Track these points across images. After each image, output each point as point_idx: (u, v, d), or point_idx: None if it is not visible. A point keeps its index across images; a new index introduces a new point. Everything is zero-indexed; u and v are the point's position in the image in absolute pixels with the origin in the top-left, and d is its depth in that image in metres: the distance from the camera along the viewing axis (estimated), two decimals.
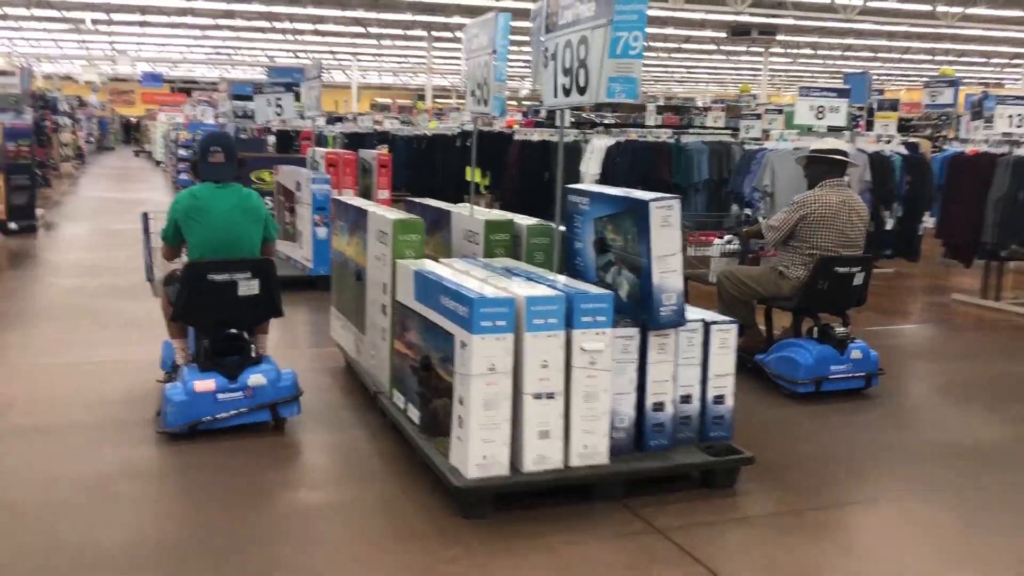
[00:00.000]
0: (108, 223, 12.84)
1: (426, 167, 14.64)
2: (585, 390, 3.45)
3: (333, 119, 30.65)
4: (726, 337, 3.84)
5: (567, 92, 3.94)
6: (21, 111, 11.56)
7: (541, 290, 3.49)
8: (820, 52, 40.34)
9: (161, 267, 4.90)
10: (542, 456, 3.42)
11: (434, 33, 35.37)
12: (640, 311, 3.62)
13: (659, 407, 3.72)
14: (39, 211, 12.20)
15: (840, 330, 5.18)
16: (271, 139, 20.45)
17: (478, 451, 3.35)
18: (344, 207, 5.23)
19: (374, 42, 37.06)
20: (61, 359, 5.80)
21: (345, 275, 5.23)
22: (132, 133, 46.83)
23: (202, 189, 4.48)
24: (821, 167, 5.34)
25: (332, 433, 4.50)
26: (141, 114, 49.15)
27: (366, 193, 8.50)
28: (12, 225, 11.19)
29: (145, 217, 5.25)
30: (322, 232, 7.89)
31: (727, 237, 6.06)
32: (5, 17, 31.44)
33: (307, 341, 6.53)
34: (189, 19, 31.56)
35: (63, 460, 4.06)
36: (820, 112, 7.79)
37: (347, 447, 4.32)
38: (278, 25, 33.02)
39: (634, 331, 3.62)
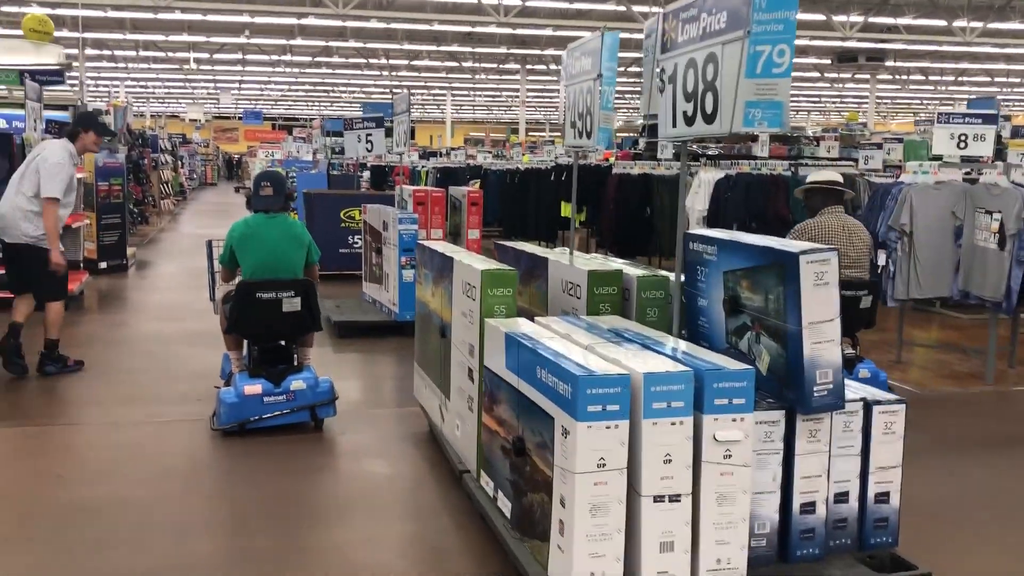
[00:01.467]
0: (198, 260, 12.68)
1: (519, 202, 14.12)
2: (718, 490, 2.75)
3: (426, 154, 30.74)
4: (892, 420, 3.09)
5: (689, 121, 3.28)
6: (115, 150, 11.52)
7: (662, 363, 2.82)
8: (931, 78, 38.57)
9: (221, 288, 5.45)
10: (664, 573, 2.73)
11: (528, 66, 35.20)
12: (786, 390, 2.91)
13: (809, 508, 2.99)
14: (130, 250, 12.13)
15: (848, 351, 5.17)
16: (365, 175, 20.36)
17: (584, 567, 2.68)
18: (428, 253, 4.66)
19: (468, 76, 37.06)
20: (124, 417, 5.40)
21: (429, 329, 4.66)
22: (234, 169, 48.08)
23: (254, 219, 5.11)
24: (819, 196, 5.56)
25: (414, 521, 3.89)
26: (243, 151, 50.49)
27: (456, 232, 7.97)
28: (102, 264, 11.11)
29: (209, 244, 5.84)
30: (409, 275, 7.37)
31: None
32: (114, 59, 32.61)
33: (392, 398, 5.97)
34: (288, 57, 32.11)
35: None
36: (963, 141, 6.90)
37: (430, 539, 3.70)
38: (373, 61, 33.31)
39: (778, 415, 2.91)
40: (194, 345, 7.14)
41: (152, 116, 40.63)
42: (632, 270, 3.86)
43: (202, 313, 8.35)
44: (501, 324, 3.45)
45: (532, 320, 3.59)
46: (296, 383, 4.91)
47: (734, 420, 2.75)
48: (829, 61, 31.47)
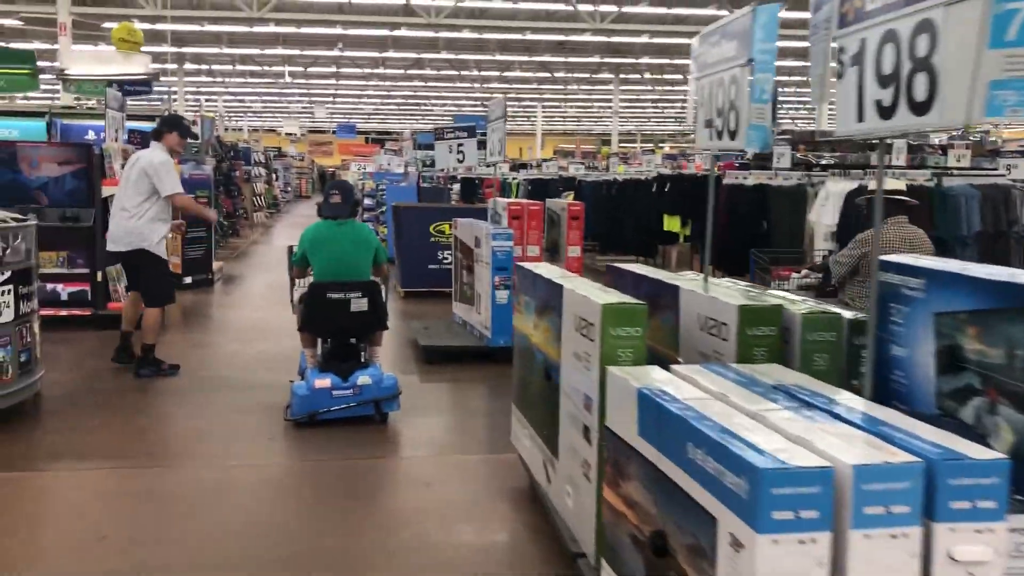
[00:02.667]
0: (284, 275, 12.32)
1: (616, 215, 13.34)
2: None
3: (517, 166, 30.17)
4: None
5: (887, 112, 2.47)
6: (202, 161, 11.20)
7: (872, 447, 2.01)
8: None
9: (297, 289, 5.72)
10: None
11: (621, 75, 34.37)
12: None
13: None
14: (217, 264, 11.81)
15: None
16: (455, 187, 19.85)
17: None
18: (530, 277, 3.94)
19: (559, 87, 36.43)
20: (187, 465, 4.83)
21: (530, 367, 3.93)
22: (327, 182, 48.58)
23: (325, 224, 5.44)
24: (885, 205, 5.29)
25: None
26: (337, 164, 50.99)
27: (553, 249, 7.24)
28: (187, 279, 10.77)
29: (290, 250, 5.91)
30: (503, 296, 6.68)
31: (804, 271, 6.51)
32: (211, 73, 33.13)
33: (484, 440, 5.22)
34: (380, 70, 32.08)
35: None
36: None
37: None
38: (465, 73, 33.00)
39: None
40: (272, 370, 6.59)
41: (250, 130, 41.24)
42: (793, 305, 3.05)
43: (283, 332, 7.84)
44: (630, 375, 2.68)
45: (667, 368, 2.82)
46: (363, 378, 5.18)
47: (979, 531, 1.92)
48: None
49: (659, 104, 44.49)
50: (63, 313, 7.94)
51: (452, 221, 8.09)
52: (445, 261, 10.37)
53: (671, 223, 11.43)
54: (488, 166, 8.00)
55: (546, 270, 3.92)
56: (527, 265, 4.11)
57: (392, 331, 8.35)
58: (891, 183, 5.83)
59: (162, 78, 32.26)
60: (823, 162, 10.57)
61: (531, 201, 7.07)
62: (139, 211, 6.23)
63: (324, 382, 5.14)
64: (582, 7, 19.91)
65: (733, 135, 3.35)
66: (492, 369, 6.66)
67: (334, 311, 5.20)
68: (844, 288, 5.58)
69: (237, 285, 11.59)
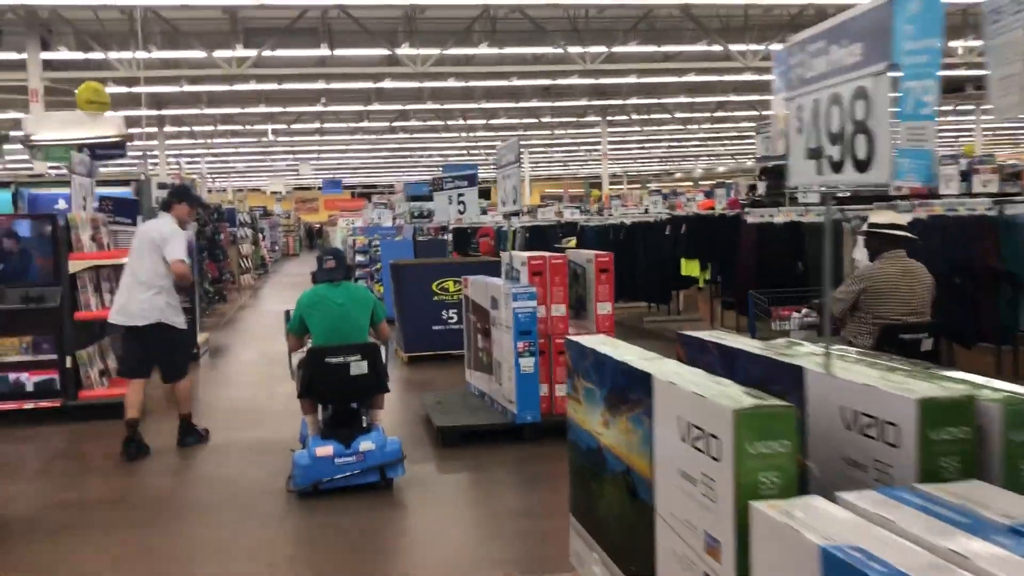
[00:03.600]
0: (277, 343, 11.42)
1: (625, 260, 12.53)
2: None
3: (508, 214, 29.40)
4: None
5: (837, 167, 1.69)
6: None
7: None
8: None
9: (296, 355, 5.55)
10: None
11: (608, 117, 33.94)
12: None
13: None
14: (203, 336, 10.93)
15: None
16: (447, 237, 19.07)
17: None
18: (590, 357, 3.11)
19: (546, 132, 35.98)
20: None
21: (598, 474, 3.08)
22: (315, 239, 47.85)
23: (321, 287, 5.40)
24: (878, 240, 5.48)
25: None
26: (324, 220, 50.40)
27: (580, 306, 6.42)
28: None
29: (287, 315, 5.68)
30: (529, 364, 5.84)
31: (804, 311, 6.46)
32: (193, 135, 32.51)
33: (524, 552, 4.31)
34: (365, 124, 31.53)
35: None
36: None
37: None
38: (451, 123, 32.49)
39: None
40: (262, 465, 5.71)
41: (234, 191, 40.60)
42: (990, 392, 2.22)
43: (280, 416, 6.97)
44: (791, 519, 1.84)
45: (827, 497, 1.98)
46: (365, 444, 5.08)
47: None
48: None
49: (645, 144, 44.17)
50: (28, 406, 7.07)
51: (462, 279, 7.27)
52: (451, 321, 9.54)
53: (689, 267, 10.66)
54: (505, 217, 7.21)
55: (613, 348, 3.09)
56: (584, 341, 3.28)
57: (399, 405, 7.51)
58: (890, 216, 5.69)
59: (141, 142, 31.69)
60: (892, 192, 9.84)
61: (552, 255, 6.26)
62: (160, 284, 6.18)
63: (326, 450, 5.02)
64: (571, 49, 19.35)
65: (863, 166, 2.54)
66: (521, 451, 5.80)
67: (334, 376, 5.12)
68: (846, 326, 5.54)
69: (225, 359, 10.71)
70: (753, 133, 40.00)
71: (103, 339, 7.91)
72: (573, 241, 16.30)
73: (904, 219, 5.65)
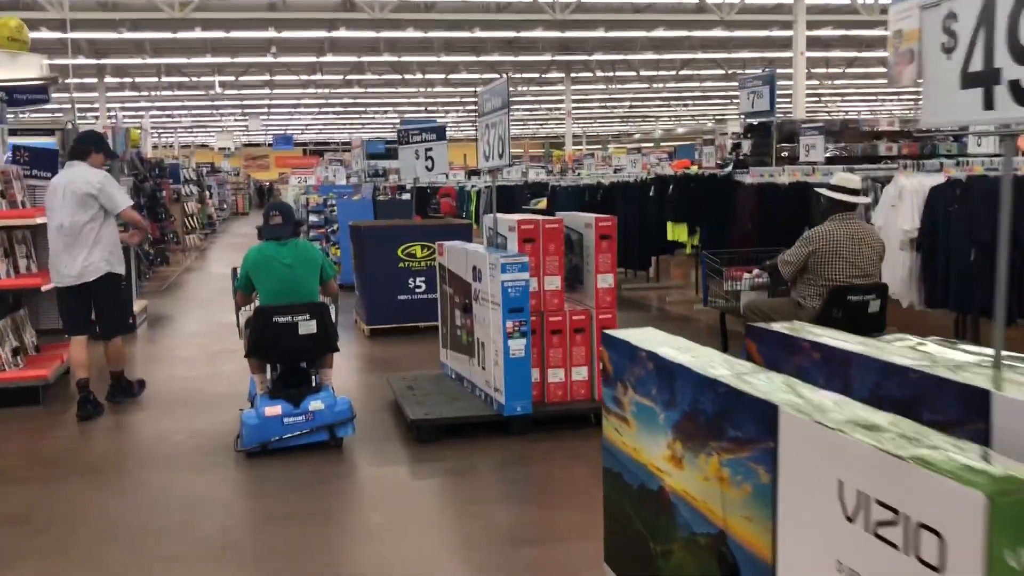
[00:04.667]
0: (223, 312, 10.37)
1: None
2: None
3: (470, 172, 28.42)
4: None
5: None
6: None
7: None
8: None
9: (243, 313, 5.50)
10: None
11: (572, 75, 32.86)
12: None
13: None
14: (140, 304, 9.87)
15: None
16: (405, 196, 18.01)
17: None
18: (650, 365, 2.23)
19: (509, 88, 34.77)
20: None
21: (658, 528, 2.23)
22: (265, 197, 46.20)
23: (267, 246, 5.25)
24: (829, 202, 5.53)
25: None
26: (275, 178, 48.78)
27: (574, 277, 5.55)
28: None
29: (234, 272, 5.60)
30: (519, 347, 4.97)
31: (755, 271, 6.43)
32: (136, 86, 30.79)
33: None
34: (318, 76, 30.08)
35: None
36: None
37: None
38: (408, 77, 31.16)
39: None
40: (206, 468, 4.79)
41: (180, 147, 38.83)
42: None
43: (227, 398, 6.04)
44: None
45: None
46: (314, 403, 5.00)
47: None
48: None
49: (607, 104, 43.23)
50: None
51: (436, 245, 6.34)
52: (418, 290, 8.62)
53: (677, 232, 9.84)
54: (487, 173, 6.29)
55: (680, 350, 2.22)
56: (633, 338, 2.40)
57: (363, 388, 6.60)
58: (843, 177, 5.72)
59: (79, 93, 29.90)
60: (883, 153, 9.11)
61: (546, 218, 5.36)
62: (96, 237, 5.88)
63: (275, 409, 4.94)
64: None
65: None
66: (509, 449, 4.95)
67: (282, 335, 5.00)
68: (795, 287, 5.64)
69: (166, 329, 9.66)
70: (718, 92, 39.23)
71: (18, 311, 6.87)
72: (543, 202, 15.40)
73: (857, 181, 5.69)
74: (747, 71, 28.25)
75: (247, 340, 5.22)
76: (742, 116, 12.07)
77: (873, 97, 42.82)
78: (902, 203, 6.31)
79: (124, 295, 6.49)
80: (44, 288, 6.53)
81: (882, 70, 35.03)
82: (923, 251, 6.19)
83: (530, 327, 5.02)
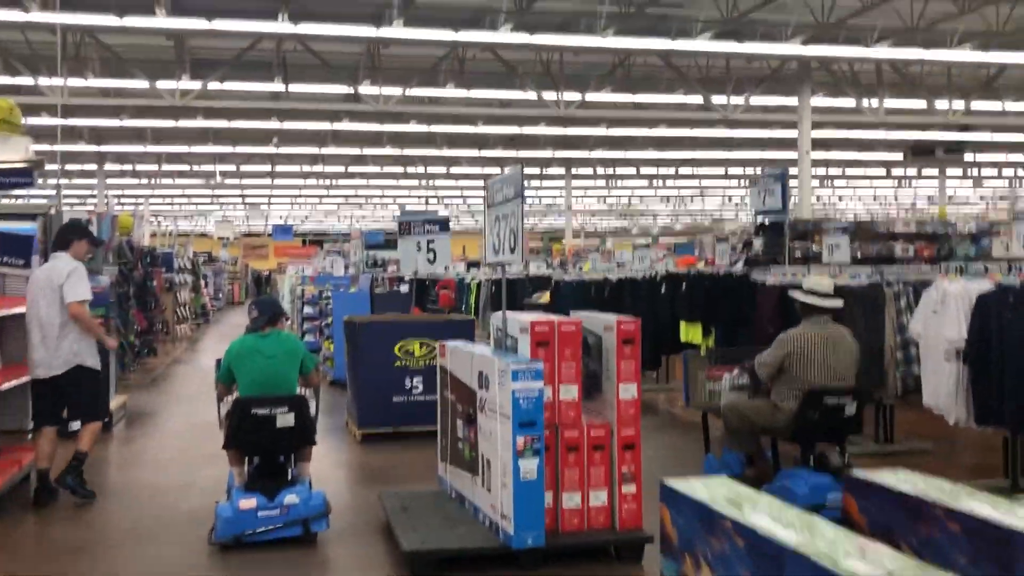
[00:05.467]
0: (209, 408, 9.72)
1: None
2: None
3: (470, 264, 28.02)
4: None
5: None
6: (97, 271, 8.76)
7: None
8: (1005, 172, 35.87)
9: (224, 404, 5.51)
10: None
11: (573, 170, 32.91)
12: None
13: None
14: (118, 400, 9.24)
15: (836, 459, 5.38)
16: (403, 288, 17.52)
17: None
18: (754, 546, 1.64)
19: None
20: None
21: None
22: (263, 287, 45.80)
23: (250, 337, 5.41)
24: (802, 306, 5.62)
25: None
26: (273, 267, 48.51)
27: (592, 385, 4.97)
28: (74, 425, 8.17)
29: (218, 363, 5.56)
30: (531, 467, 4.36)
31: (736, 371, 6.34)
32: (136, 173, 30.71)
33: None
34: (319, 167, 30.03)
35: None
36: None
37: None
38: (411, 170, 31.13)
39: None
40: None
41: (179, 235, 38.64)
42: None
43: (198, 516, 5.38)
44: None
45: None
46: (290, 497, 4.97)
47: None
48: (901, 155, 28.67)
49: (606, 200, 43.37)
50: None
51: (437, 346, 5.77)
52: (415, 392, 8.02)
53: (691, 332, 9.30)
54: (494, 267, 5.78)
55: (790, 527, 1.63)
56: (700, 493, 1.82)
57: (350, 503, 5.93)
58: (816, 280, 5.81)
59: (78, 179, 29.77)
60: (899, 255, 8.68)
61: (563, 319, 4.81)
62: (67, 329, 5.87)
63: (250, 502, 4.92)
64: (544, 95, 18.18)
65: None
66: None
67: (259, 427, 5.06)
68: (773, 388, 5.62)
69: (146, 428, 9.00)
70: (717, 190, 39.35)
71: None
72: (546, 296, 14.92)
73: (829, 284, 5.73)
74: (758, 171, 28.36)
75: (225, 431, 5.25)
76: (753, 213, 11.72)
77: (872, 199, 43.02)
78: (946, 310, 5.79)
79: (97, 388, 6.27)
80: (4, 386, 5.96)
81: (880, 172, 35.19)
82: (972, 363, 5.63)
83: (544, 443, 4.42)
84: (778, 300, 7.78)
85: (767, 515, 1.67)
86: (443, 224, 8.67)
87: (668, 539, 1.93)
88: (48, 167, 11.44)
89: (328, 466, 6.98)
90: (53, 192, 17.20)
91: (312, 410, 5.39)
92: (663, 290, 9.83)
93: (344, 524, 5.39)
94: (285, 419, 5.04)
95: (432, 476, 5.88)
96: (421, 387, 7.99)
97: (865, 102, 19.54)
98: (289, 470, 5.27)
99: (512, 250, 4.83)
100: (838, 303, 5.64)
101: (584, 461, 4.66)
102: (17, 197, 10.02)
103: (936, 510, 1.75)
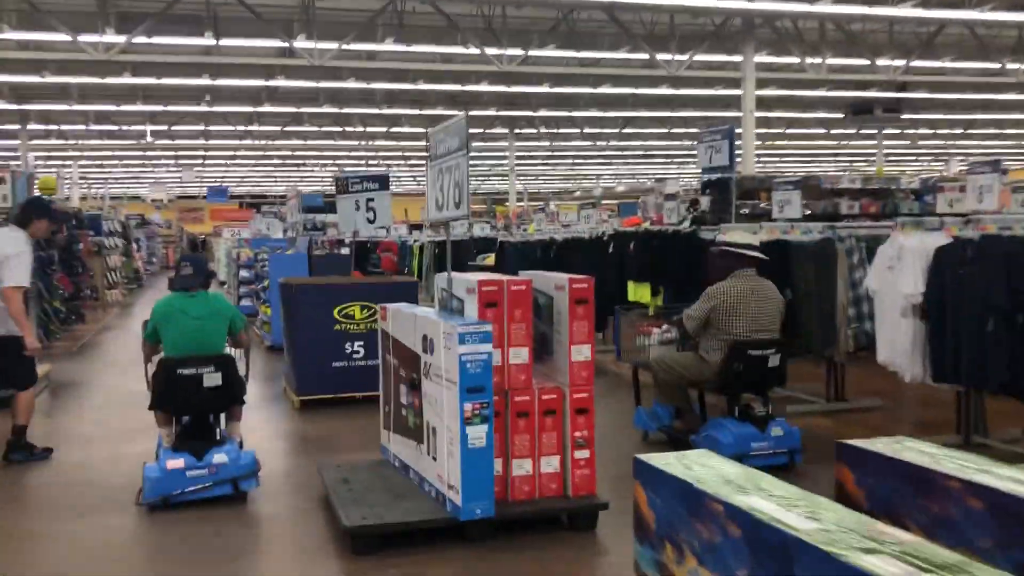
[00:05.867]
0: (134, 378, 9.26)
1: None
2: None
3: (412, 227, 27.51)
4: None
5: None
6: None
7: None
8: (940, 131, 36.41)
9: (151, 365, 5.38)
10: None
11: (516, 131, 32.46)
12: None
13: None
14: (42, 369, 8.71)
15: (760, 409, 5.54)
16: (344, 251, 17.05)
17: None
18: (754, 537, 1.38)
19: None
20: None
21: None
22: (198, 250, 44.69)
23: (176, 297, 5.32)
24: (730, 259, 5.70)
25: None
26: (209, 231, 47.37)
27: (542, 347, 4.72)
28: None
29: (145, 324, 5.48)
30: (479, 435, 4.10)
31: (664, 327, 6.53)
32: (62, 134, 29.41)
33: None
34: (255, 127, 29.11)
35: None
36: None
37: None
38: (349, 129, 30.37)
39: None
40: None
41: (112, 198, 37.31)
42: None
43: (118, 497, 5.02)
44: None
45: None
46: (218, 456, 4.95)
47: None
48: (842, 115, 28.89)
49: (549, 161, 43.01)
50: None
51: (378, 308, 5.44)
52: (356, 356, 7.69)
53: (639, 292, 9.11)
54: (438, 226, 5.47)
55: (793, 509, 1.38)
56: (682, 471, 1.56)
57: (287, 476, 5.62)
58: (740, 235, 5.94)
59: (3, 140, 28.42)
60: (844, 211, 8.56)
61: (513, 278, 4.53)
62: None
63: (177, 462, 4.90)
64: (489, 50, 17.73)
65: None
66: (468, 563, 4.04)
67: (186, 387, 5.04)
68: (701, 341, 5.73)
69: (68, 400, 8.53)
70: (659, 151, 39.31)
71: None
72: (490, 258, 14.64)
73: (755, 239, 5.91)
74: (705, 128, 28.32)
75: (152, 392, 5.19)
76: (701, 171, 11.57)
77: (811, 158, 43.42)
78: (902, 265, 5.65)
79: (24, 356, 6.05)
80: None
81: (820, 131, 35.45)
82: (927, 317, 5.51)
83: (493, 410, 4.15)
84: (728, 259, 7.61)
85: (768, 498, 1.42)
86: (382, 181, 8.29)
87: (644, 523, 1.68)
88: None
89: (266, 436, 6.64)
90: None
91: (241, 370, 5.34)
92: (611, 249, 9.61)
93: (281, 499, 5.09)
94: (212, 378, 4.99)
95: (375, 446, 5.59)
96: (362, 351, 7.67)
97: (808, 61, 19.49)
98: (218, 430, 5.23)
99: (457, 205, 4.51)
100: (764, 256, 5.80)
101: (535, 427, 4.41)
102: None
103: (951, 483, 1.52)
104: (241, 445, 5.22)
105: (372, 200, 8.13)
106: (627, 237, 9.52)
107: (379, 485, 4.73)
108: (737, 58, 19.60)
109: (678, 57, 19.28)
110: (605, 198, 53.75)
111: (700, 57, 19.77)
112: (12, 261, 5.77)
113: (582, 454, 4.46)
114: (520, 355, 4.40)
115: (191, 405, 5.14)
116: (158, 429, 5.28)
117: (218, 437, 5.15)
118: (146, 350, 5.47)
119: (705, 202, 12.22)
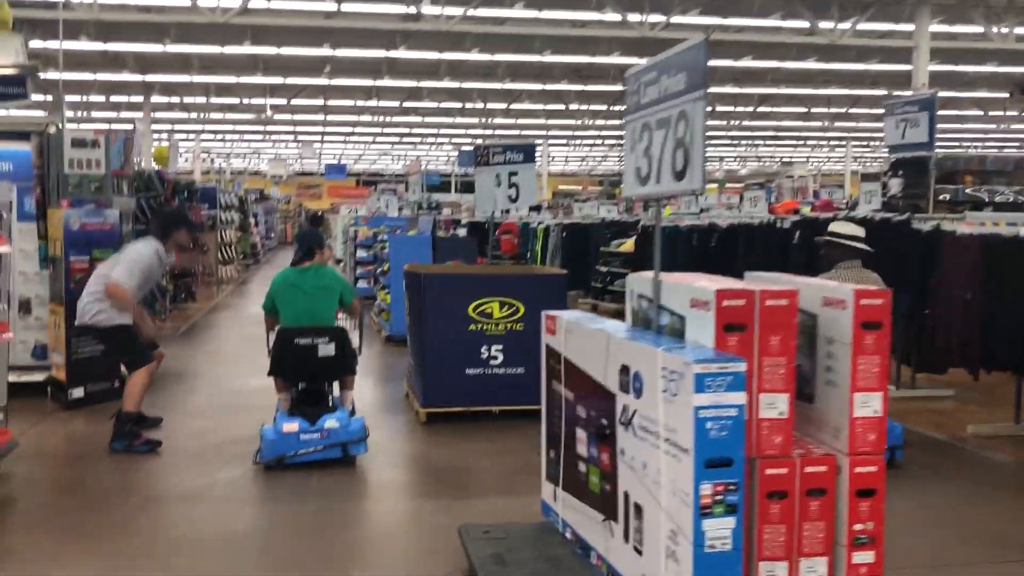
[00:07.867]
0: (243, 373, 8.17)
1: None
2: None
3: (531, 208, 26.10)
4: None
5: None
6: (105, 203, 7.17)
7: None
8: None
9: (272, 334, 5.65)
10: None
11: None
12: None
13: None
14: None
15: None
16: (461, 232, 15.78)
17: None
18: None
19: (571, 121, 32.58)
20: None
21: None
22: (318, 227, 44.64)
23: (289, 272, 5.76)
24: (837, 251, 5.52)
25: None
26: (327, 207, 47.35)
27: (802, 391, 3.17)
28: (75, 392, 6.69)
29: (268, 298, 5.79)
30: (722, 533, 2.63)
31: None
32: (184, 106, 29.28)
33: None
34: (373, 102, 28.28)
35: None
36: None
37: None
38: (469, 106, 29.19)
39: None
40: None
41: (233, 173, 37.39)
42: None
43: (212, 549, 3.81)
44: None
45: None
46: (330, 422, 5.21)
47: None
48: (1008, 94, 25.99)
49: None
50: None
51: (543, 316, 4.01)
52: (493, 362, 6.34)
53: None
54: (651, 204, 4.05)
55: None
56: None
57: (412, 524, 4.28)
58: (846, 226, 5.65)
59: (124, 114, 28.48)
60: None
61: (763, 287, 3.03)
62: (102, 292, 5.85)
63: (292, 426, 5.16)
64: (629, 16, 16.12)
65: None
66: None
67: (301, 356, 5.36)
68: None
69: (171, 390, 7.46)
70: (792, 133, 36.64)
71: None
72: (628, 243, 13.13)
73: (861, 231, 5.61)
74: (896, 99, 26.15)
75: (271, 359, 5.52)
76: (888, 149, 9.85)
77: (955, 142, 39.93)
78: None
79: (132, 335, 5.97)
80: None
81: (975, 112, 32.19)
82: None
83: (743, 493, 2.68)
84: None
85: None
86: (528, 152, 6.90)
87: None
88: (43, 76, 9.89)
89: (386, 462, 5.41)
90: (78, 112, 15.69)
91: (355, 341, 5.61)
92: (795, 239, 7.95)
93: (409, 567, 3.76)
94: (326, 349, 5.34)
95: (523, 486, 4.21)
96: (501, 357, 6.31)
97: (995, 29, 17.10)
98: (331, 398, 5.59)
99: (680, 175, 3.03)
100: (869, 249, 5.53)
101: (795, 513, 2.91)
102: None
103: None
104: (353, 413, 5.49)
105: (515, 174, 6.75)
106: (815, 224, 7.83)
107: (544, 562, 3.33)
108: (907, 26, 17.41)
109: (841, 26, 17.23)
110: (728, 181, 51.22)
111: (864, 26, 17.65)
112: (125, 263, 5.87)
113: (864, 556, 2.94)
114: (776, 405, 2.90)
115: (306, 373, 5.52)
116: (277, 394, 5.59)
117: (331, 404, 5.47)
118: (268, 322, 5.81)
119: (895, 185, 10.34)
